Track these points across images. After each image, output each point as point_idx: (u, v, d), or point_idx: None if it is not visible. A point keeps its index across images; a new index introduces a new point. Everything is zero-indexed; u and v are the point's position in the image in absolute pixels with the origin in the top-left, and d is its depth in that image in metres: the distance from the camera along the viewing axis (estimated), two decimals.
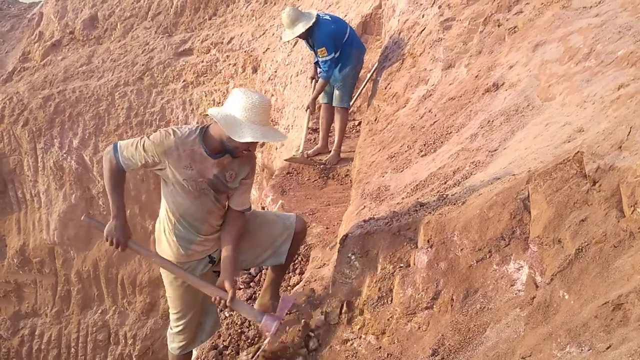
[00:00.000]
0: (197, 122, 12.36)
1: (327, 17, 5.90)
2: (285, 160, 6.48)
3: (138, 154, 2.68)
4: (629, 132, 2.10)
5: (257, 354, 2.97)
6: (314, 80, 6.30)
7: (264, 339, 2.92)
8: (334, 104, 6.25)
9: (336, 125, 6.36)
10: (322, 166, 6.24)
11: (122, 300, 13.09)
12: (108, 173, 2.79)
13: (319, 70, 5.95)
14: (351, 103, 6.79)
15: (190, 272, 2.93)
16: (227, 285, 2.76)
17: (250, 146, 2.68)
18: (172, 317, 3.13)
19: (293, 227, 3.09)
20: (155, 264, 2.94)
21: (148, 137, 2.70)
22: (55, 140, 13.34)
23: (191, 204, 2.79)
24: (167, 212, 2.87)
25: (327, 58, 5.72)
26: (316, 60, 6.00)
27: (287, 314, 2.98)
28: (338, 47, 5.79)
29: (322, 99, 6.35)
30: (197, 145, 2.69)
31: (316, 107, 6.40)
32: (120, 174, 2.79)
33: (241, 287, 4.39)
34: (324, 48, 5.70)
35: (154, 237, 3.06)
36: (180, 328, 3.11)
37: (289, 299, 2.94)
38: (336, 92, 6.17)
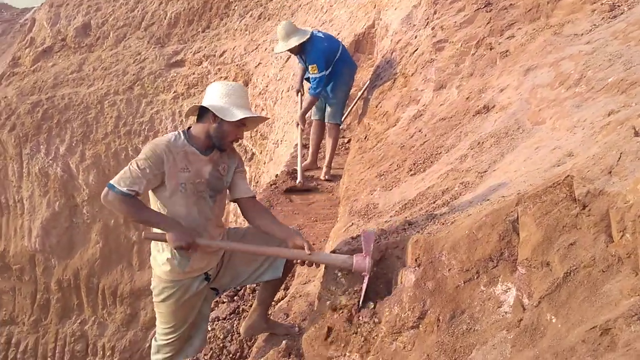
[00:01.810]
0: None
1: (321, 35, 5.96)
2: (285, 191, 6.28)
3: (137, 176, 2.59)
4: (619, 158, 2.11)
5: (361, 298, 2.67)
6: (299, 94, 6.41)
7: (362, 283, 2.67)
8: (326, 121, 6.28)
9: (328, 141, 6.38)
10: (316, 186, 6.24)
11: (102, 310, 12.93)
12: (125, 208, 2.63)
13: (308, 86, 6.00)
14: (342, 119, 6.81)
15: (185, 289, 2.88)
16: (298, 241, 2.71)
17: (239, 133, 2.73)
18: (161, 330, 3.04)
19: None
20: (231, 250, 2.87)
21: (137, 159, 2.63)
22: (41, 146, 13.25)
23: (189, 212, 2.75)
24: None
25: (317, 75, 5.76)
26: (307, 75, 6.05)
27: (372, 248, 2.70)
28: (329, 65, 5.83)
29: (313, 115, 6.40)
30: (187, 146, 2.71)
31: (306, 123, 6.42)
32: (132, 200, 2.62)
33: (225, 300, 4.34)
34: (315, 65, 5.75)
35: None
36: (168, 341, 3.04)
37: (370, 234, 2.70)
38: (329, 109, 6.21)
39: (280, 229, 2.84)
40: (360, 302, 2.65)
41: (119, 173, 2.63)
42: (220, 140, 2.71)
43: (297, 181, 6.18)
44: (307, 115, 6.36)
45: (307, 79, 6.07)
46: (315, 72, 5.77)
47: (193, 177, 2.71)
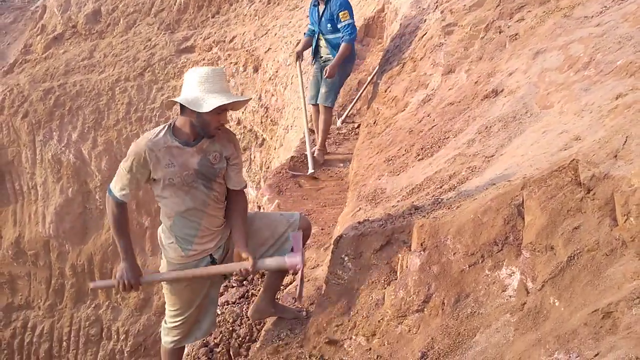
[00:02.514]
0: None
1: None
2: (294, 174, 6.25)
3: (126, 179, 2.73)
4: (625, 142, 2.10)
5: (299, 289, 2.96)
6: (299, 60, 6.34)
7: (297, 277, 2.98)
8: (318, 102, 6.18)
9: (320, 124, 6.27)
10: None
11: (116, 295, 13.06)
12: (111, 216, 2.83)
13: (308, 53, 5.95)
14: (350, 107, 6.79)
15: None
16: (243, 254, 2.79)
17: (222, 119, 2.72)
18: (168, 312, 3.09)
19: (297, 225, 3.07)
20: (178, 279, 2.97)
21: (123, 161, 2.74)
22: (54, 133, 13.33)
23: (183, 201, 2.78)
24: (164, 215, 2.88)
25: (349, 21, 5.72)
26: (310, 33, 6.10)
27: (303, 246, 3.02)
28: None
29: (310, 100, 6.35)
30: (170, 141, 2.71)
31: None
32: (120, 210, 2.81)
33: (234, 285, 4.39)
34: (345, 11, 5.70)
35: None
36: (176, 324, 3.08)
37: (296, 234, 2.98)
38: (322, 90, 6.08)
39: (237, 232, 2.89)
40: (299, 293, 2.95)
41: (115, 177, 2.79)
42: (204, 129, 2.70)
43: (309, 171, 6.04)
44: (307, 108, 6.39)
45: (312, 35, 6.09)
46: (347, 18, 5.69)
47: (179, 171, 2.72)
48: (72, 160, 13.13)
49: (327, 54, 6.11)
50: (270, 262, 2.95)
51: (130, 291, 2.93)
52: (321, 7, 5.90)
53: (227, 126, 2.94)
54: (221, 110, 2.67)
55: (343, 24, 5.73)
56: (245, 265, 2.79)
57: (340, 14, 5.71)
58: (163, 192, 2.78)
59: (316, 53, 6.24)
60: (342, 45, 5.80)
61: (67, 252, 13.20)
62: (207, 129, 2.70)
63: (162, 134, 2.72)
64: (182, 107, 2.71)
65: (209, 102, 2.59)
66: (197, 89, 2.64)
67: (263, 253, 3.05)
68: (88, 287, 2.90)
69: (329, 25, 5.88)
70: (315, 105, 6.32)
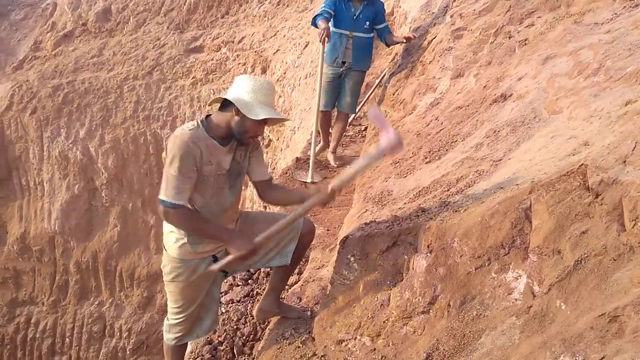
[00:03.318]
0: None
1: None
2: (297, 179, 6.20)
3: (180, 183, 2.60)
4: (634, 147, 2.10)
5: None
6: (325, 43, 5.55)
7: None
8: (344, 110, 6.10)
9: (339, 130, 6.29)
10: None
11: (120, 293, 13.11)
12: (185, 224, 2.73)
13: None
14: (357, 109, 6.79)
15: (193, 270, 2.90)
16: (322, 186, 2.74)
17: (260, 130, 2.71)
18: (171, 309, 3.10)
19: (300, 227, 3.07)
20: (279, 231, 2.81)
21: (172, 164, 2.59)
22: (62, 129, 13.38)
23: (208, 202, 2.76)
24: None
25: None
26: (327, 16, 5.53)
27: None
28: None
29: (326, 106, 6.07)
30: (208, 138, 2.67)
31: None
32: (188, 212, 2.68)
33: (239, 283, 4.40)
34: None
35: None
36: (178, 321, 3.09)
37: (376, 114, 2.75)
38: (348, 99, 6.00)
39: (295, 193, 2.94)
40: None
41: (162, 185, 2.64)
42: (240, 134, 2.69)
43: (308, 179, 5.95)
44: (315, 103, 6.22)
45: (357, 39, 5.69)
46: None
47: (215, 170, 2.70)
48: (79, 157, 13.18)
49: (349, 59, 5.79)
50: (363, 162, 2.70)
51: (254, 256, 2.83)
52: (356, 4, 5.64)
53: None
54: (263, 121, 2.68)
55: (387, 23, 5.86)
56: (325, 193, 2.70)
57: (385, 14, 5.80)
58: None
59: (333, 53, 5.79)
60: (389, 35, 5.88)
61: (72, 249, 13.23)
62: (244, 135, 2.69)
63: (199, 131, 2.65)
64: (224, 105, 2.70)
65: (259, 111, 2.59)
66: (248, 95, 2.63)
67: (263, 256, 3.06)
68: (211, 269, 2.77)
69: (367, 23, 5.69)
70: (326, 111, 6.17)
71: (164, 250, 2.99)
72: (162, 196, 2.62)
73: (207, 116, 2.77)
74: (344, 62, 5.81)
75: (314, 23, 5.64)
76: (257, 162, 2.94)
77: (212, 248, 2.91)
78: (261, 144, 3.01)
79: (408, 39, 5.82)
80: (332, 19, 5.63)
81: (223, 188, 2.78)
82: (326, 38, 5.41)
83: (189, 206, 2.67)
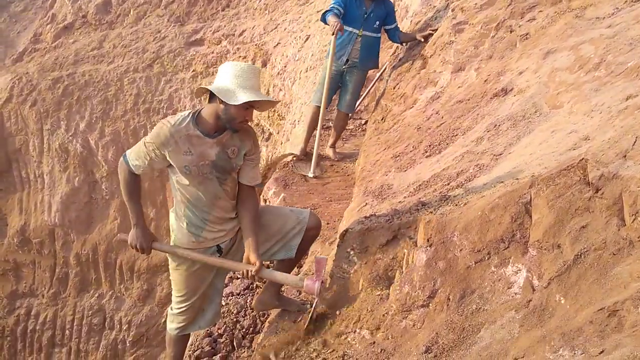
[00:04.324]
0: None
1: None
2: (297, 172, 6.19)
3: (142, 154, 2.78)
4: (635, 142, 2.10)
5: (311, 316, 2.91)
6: (336, 36, 5.46)
7: (313, 303, 2.91)
8: (343, 110, 6.08)
9: (339, 126, 6.32)
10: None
11: (119, 285, 13.12)
12: (122, 182, 2.91)
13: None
14: (357, 103, 6.76)
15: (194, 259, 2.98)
16: (252, 257, 2.81)
17: (247, 115, 2.73)
18: (174, 299, 3.16)
19: (306, 221, 3.08)
20: (181, 257, 3.00)
21: (145, 137, 2.80)
22: (62, 122, 13.36)
23: (196, 190, 2.82)
24: (179, 201, 2.92)
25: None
26: (338, 12, 5.39)
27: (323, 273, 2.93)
28: None
29: (317, 101, 5.98)
30: (192, 129, 2.73)
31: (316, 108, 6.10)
32: (133, 179, 2.90)
33: (239, 277, 4.40)
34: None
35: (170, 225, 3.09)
36: (181, 310, 3.14)
37: (322, 259, 2.89)
38: (347, 98, 5.98)
39: (249, 234, 2.89)
40: (307, 323, 2.90)
41: (135, 145, 2.85)
42: (229, 122, 2.72)
43: (311, 174, 5.98)
44: (311, 100, 6.22)
45: (366, 38, 5.62)
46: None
47: (196, 160, 2.74)
48: (79, 150, 13.16)
49: (355, 58, 5.74)
50: (280, 277, 2.96)
51: (143, 254, 3.03)
52: (367, 3, 5.58)
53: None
54: (248, 106, 2.69)
55: (397, 23, 5.83)
56: (250, 269, 2.81)
57: (395, 14, 5.77)
58: (179, 179, 2.82)
59: (340, 50, 5.71)
60: (402, 33, 5.89)
61: (72, 241, 13.23)
62: (232, 122, 2.71)
63: (185, 121, 2.74)
64: (211, 96, 2.73)
65: (240, 96, 2.61)
66: (230, 82, 2.66)
67: (268, 249, 3.07)
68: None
69: (377, 23, 5.66)
70: (318, 108, 5.98)
71: (170, 239, 3.06)
72: (127, 153, 2.87)
73: (202, 109, 2.82)
74: (347, 60, 5.79)
75: (323, 19, 5.58)
76: (250, 167, 2.94)
77: (215, 236, 2.96)
78: (260, 152, 3.02)
79: (426, 37, 5.65)
80: (341, 17, 5.51)
81: (210, 178, 2.81)
82: (339, 31, 5.31)
83: (137, 173, 2.87)
